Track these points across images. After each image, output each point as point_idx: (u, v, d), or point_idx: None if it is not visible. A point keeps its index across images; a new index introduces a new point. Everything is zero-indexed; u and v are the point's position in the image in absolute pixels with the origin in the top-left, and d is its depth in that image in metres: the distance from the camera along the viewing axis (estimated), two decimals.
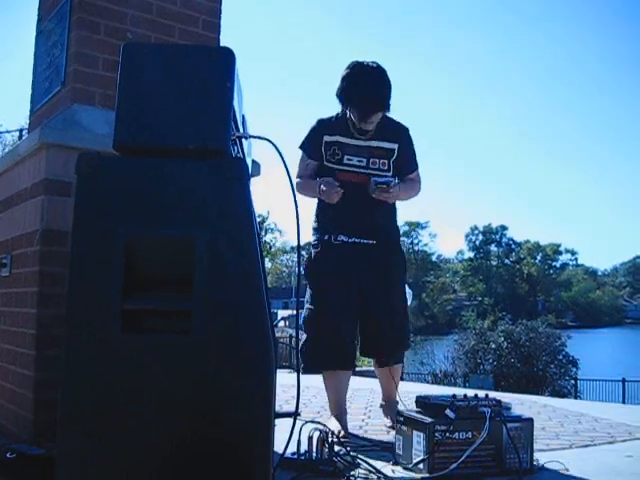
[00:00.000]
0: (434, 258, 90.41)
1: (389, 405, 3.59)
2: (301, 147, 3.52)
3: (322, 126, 3.47)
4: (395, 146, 3.45)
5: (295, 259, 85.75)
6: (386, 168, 3.43)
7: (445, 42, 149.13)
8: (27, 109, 3.81)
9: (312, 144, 3.46)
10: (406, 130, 3.55)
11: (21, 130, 31.20)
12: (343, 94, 3.33)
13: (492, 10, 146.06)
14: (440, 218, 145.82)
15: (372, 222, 3.41)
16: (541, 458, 2.79)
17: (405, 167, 3.53)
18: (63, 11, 3.36)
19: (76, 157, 2.81)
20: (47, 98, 3.45)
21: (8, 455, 2.32)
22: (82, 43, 3.17)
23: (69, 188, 2.92)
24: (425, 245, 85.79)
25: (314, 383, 4.62)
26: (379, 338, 3.44)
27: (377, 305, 3.41)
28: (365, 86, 3.26)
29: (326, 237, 3.43)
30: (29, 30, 4.10)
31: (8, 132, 34.56)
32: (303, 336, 3.39)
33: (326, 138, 3.42)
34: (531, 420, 2.74)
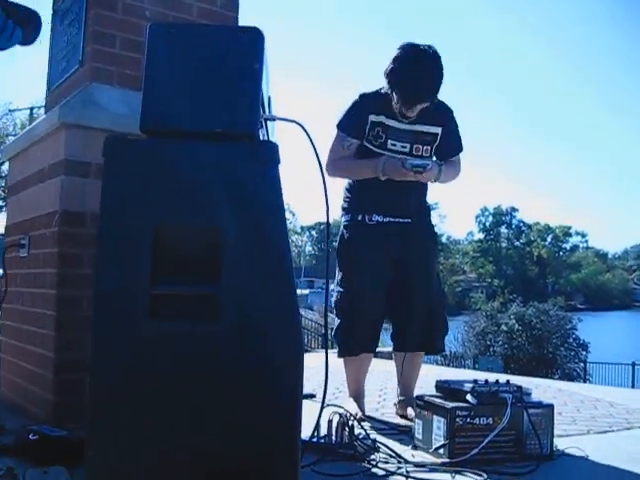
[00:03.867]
0: (444, 239, 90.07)
1: (407, 402, 3.36)
2: (340, 126, 3.31)
3: (367, 103, 3.27)
4: (439, 130, 3.32)
5: (304, 239, 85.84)
6: (428, 154, 3.33)
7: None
8: (36, 87, 3.78)
9: (356, 122, 3.26)
10: (450, 112, 3.40)
11: (32, 108, 31.31)
12: (390, 76, 3.16)
13: None
14: (450, 199, 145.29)
15: (407, 200, 3.32)
16: (560, 444, 2.78)
17: (447, 150, 3.40)
18: None
19: (95, 137, 2.83)
20: (64, 77, 3.43)
21: (31, 437, 2.32)
22: (100, 22, 3.14)
23: (88, 168, 2.91)
24: (435, 226, 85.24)
25: (329, 363, 4.60)
26: (418, 322, 3.35)
27: (416, 287, 3.32)
28: (415, 75, 3.07)
29: (359, 217, 3.32)
30: (41, 7, 4.05)
31: (19, 110, 34.69)
32: (336, 321, 3.37)
33: (372, 117, 3.24)
34: (552, 406, 2.72)
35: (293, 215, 76.08)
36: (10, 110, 35.34)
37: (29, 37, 2.18)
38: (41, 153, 3.22)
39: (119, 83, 3.17)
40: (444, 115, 3.37)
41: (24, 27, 2.09)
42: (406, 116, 3.22)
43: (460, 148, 3.49)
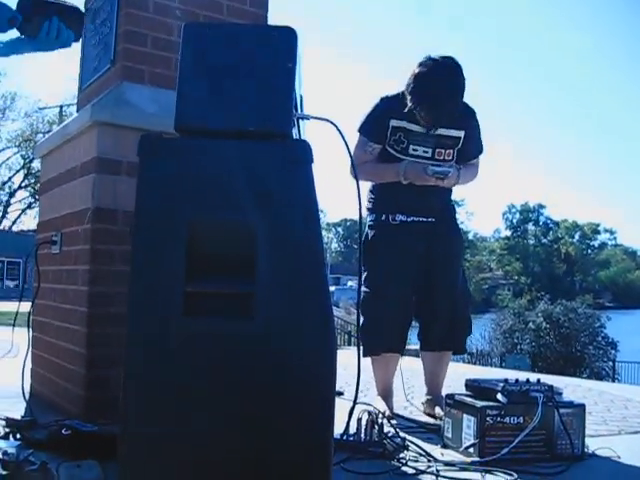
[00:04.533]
0: (471, 236, 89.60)
1: (435, 401, 3.38)
2: (362, 131, 3.32)
3: (388, 107, 3.27)
4: (462, 133, 3.31)
5: (330, 236, 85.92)
6: (450, 158, 3.32)
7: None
8: (66, 86, 3.82)
9: (377, 127, 3.27)
10: (473, 114, 3.41)
11: (61, 106, 31.73)
12: (412, 95, 3.14)
13: None
14: (477, 196, 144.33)
15: (431, 200, 3.31)
16: (591, 444, 2.75)
17: (469, 153, 3.41)
18: None
19: (126, 135, 2.86)
20: (96, 76, 3.46)
21: (63, 432, 2.35)
22: (132, 21, 3.17)
23: (120, 166, 2.94)
24: (462, 224, 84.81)
25: (356, 361, 4.59)
26: (440, 321, 3.36)
27: (439, 286, 3.34)
28: (438, 92, 3.07)
29: (383, 217, 3.33)
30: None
31: (49, 108, 35.17)
32: (361, 320, 3.38)
33: (393, 122, 3.24)
34: (583, 406, 2.70)
35: (321, 212, 76.12)
36: (40, 108, 35.88)
37: (76, 37, 2.19)
38: (73, 151, 3.26)
39: (150, 82, 3.19)
40: (467, 117, 3.36)
41: (74, 29, 2.07)
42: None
43: (480, 150, 3.49)
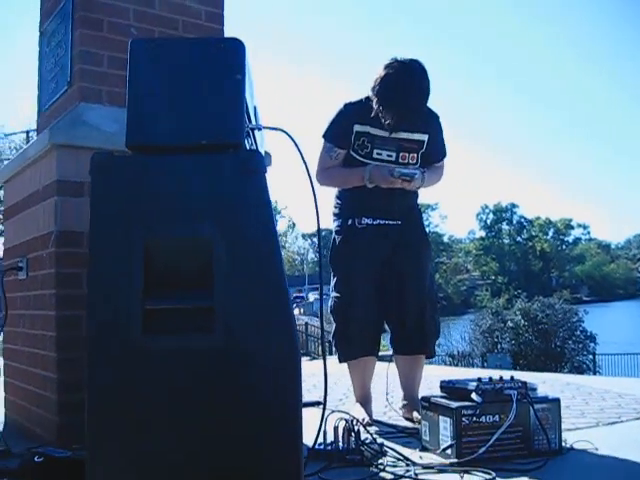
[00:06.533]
0: (446, 239, 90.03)
1: (412, 405, 3.34)
2: (326, 137, 3.33)
3: (352, 113, 3.28)
4: (425, 137, 3.32)
5: (306, 246, 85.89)
6: (414, 162, 3.33)
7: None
8: (32, 110, 3.80)
9: (341, 133, 3.28)
10: (437, 118, 3.41)
11: (28, 132, 31.39)
12: (378, 96, 3.14)
13: None
14: (450, 198, 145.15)
15: (396, 204, 3.31)
16: (569, 438, 2.76)
17: (433, 156, 3.42)
18: (65, 10, 3.33)
19: (87, 157, 2.80)
20: (54, 99, 3.44)
21: (36, 459, 2.32)
22: (86, 41, 3.15)
23: (82, 188, 2.91)
24: (436, 227, 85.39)
25: (334, 370, 4.59)
26: (409, 324, 3.34)
27: (407, 289, 3.32)
28: (404, 95, 3.08)
29: (349, 222, 3.33)
30: (32, 31, 4.07)
31: (15, 134, 34.77)
32: (333, 326, 3.36)
33: (357, 127, 3.25)
34: (558, 400, 2.71)
35: (293, 224, 76.11)
36: (5, 134, 35.47)
37: None
38: (34, 175, 3.22)
39: (109, 101, 3.17)
40: (430, 122, 3.38)
41: None
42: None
43: (444, 154, 3.51)
